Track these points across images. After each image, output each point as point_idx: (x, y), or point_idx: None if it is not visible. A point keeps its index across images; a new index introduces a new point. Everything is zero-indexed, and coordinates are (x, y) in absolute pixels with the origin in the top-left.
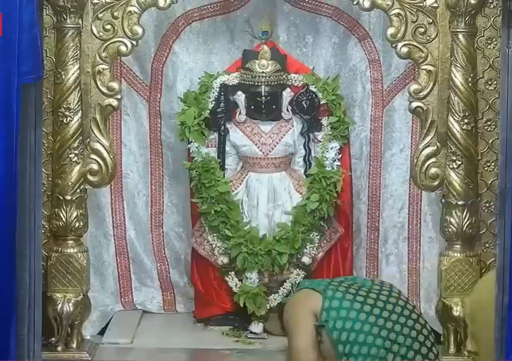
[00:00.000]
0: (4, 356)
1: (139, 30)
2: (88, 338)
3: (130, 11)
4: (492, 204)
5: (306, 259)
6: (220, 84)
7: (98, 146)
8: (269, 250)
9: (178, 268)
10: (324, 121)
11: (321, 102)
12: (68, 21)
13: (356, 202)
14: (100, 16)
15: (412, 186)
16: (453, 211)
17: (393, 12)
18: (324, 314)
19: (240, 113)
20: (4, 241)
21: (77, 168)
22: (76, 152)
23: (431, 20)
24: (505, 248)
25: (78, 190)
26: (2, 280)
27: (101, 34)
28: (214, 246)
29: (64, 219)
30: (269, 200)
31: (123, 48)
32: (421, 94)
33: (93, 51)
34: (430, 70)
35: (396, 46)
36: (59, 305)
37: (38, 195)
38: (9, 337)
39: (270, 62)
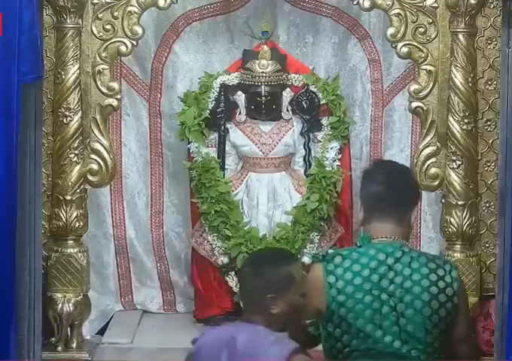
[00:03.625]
0: (4, 356)
1: (139, 30)
2: (88, 338)
3: (130, 11)
4: (492, 204)
5: (306, 259)
6: (220, 84)
7: (98, 146)
8: None
9: (178, 268)
10: (324, 121)
11: (321, 102)
12: (68, 21)
13: (356, 202)
14: (100, 16)
15: None
16: (453, 211)
17: (393, 12)
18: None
19: (240, 113)
20: (4, 241)
21: (77, 168)
22: (76, 152)
23: (431, 20)
24: (505, 248)
25: (78, 190)
26: (2, 280)
27: (101, 34)
28: (214, 246)
29: (64, 219)
30: (269, 200)
31: (123, 48)
32: (421, 94)
33: (93, 51)
34: (430, 70)
35: (396, 46)
36: (59, 305)
37: (38, 195)
38: (9, 337)
39: (270, 62)
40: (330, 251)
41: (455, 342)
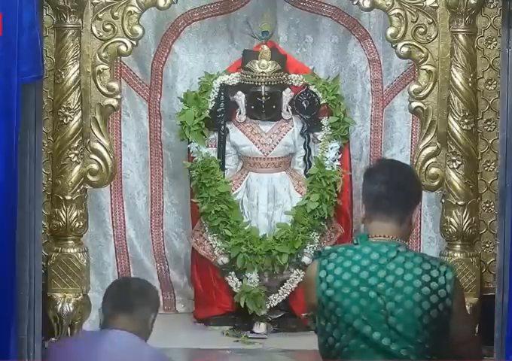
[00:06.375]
0: (4, 356)
1: (139, 30)
2: None
3: (130, 11)
4: (492, 204)
5: (306, 259)
6: (220, 84)
7: (98, 146)
8: (269, 250)
9: (178, 268)
10: (324, 121)
11: (321, 102)
12: (68, 21)
13: (356, 202)
14: (100, 16)
15: None
16: (453, 211)
17: (393, 12)
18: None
19: (240, 113)
20: (4, 241)
21: (77, 168)
22: (76, 152)
23: (431, 20)
24: (505, 248)
25: (78, 190)
26: (2, 280)
27: (101, 34)
28: (214, 246)
29: (64, 219)
30: (269, 200)
31: (123, 48)
32: (421, 94)
33: (93, 51)
34: (430, 70)
35: (396, 46)
36: (59, 305)
37: (38, 195)
38: (9, 337)
39: (270, 62)
40: (327, 247)
41: (455, 344)
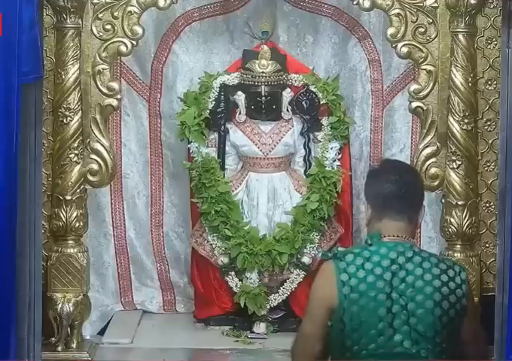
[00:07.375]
0: (4, 356)
1: (139, 30)
2: (88, 338)
3: (130, 11)
4: (492, 204)
5: (306, 259)
6: (220, 84)
7: (98, 146)
8: (269, 250)
9: (178, 268)
10: (324, 121)
11: (321, 102)
12: (68, 21)
13: (356, 202)
14: (100, 16)
15: None
16: (453, 211)
17: (393, 12)
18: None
19: (240, 113)
20: (4, 241)
21: (77, 168)
22: (76, 152)
23: (431, 20)
24: (505, 248)
25: (78, 190)
26: (2, 280)
27: (101, 34)
28: (214, 246)
29: (64, 219)
30: (269, 200)
31: (123, 48)
32: (421, 94)
33: (93, 51)
34: (430, 70)
35: (396, 46)
36: (59, 305)
37: (38, 195)
38: (9, 337)
39: (270, 62)
40: (341, 249)
41: (464, 344)
